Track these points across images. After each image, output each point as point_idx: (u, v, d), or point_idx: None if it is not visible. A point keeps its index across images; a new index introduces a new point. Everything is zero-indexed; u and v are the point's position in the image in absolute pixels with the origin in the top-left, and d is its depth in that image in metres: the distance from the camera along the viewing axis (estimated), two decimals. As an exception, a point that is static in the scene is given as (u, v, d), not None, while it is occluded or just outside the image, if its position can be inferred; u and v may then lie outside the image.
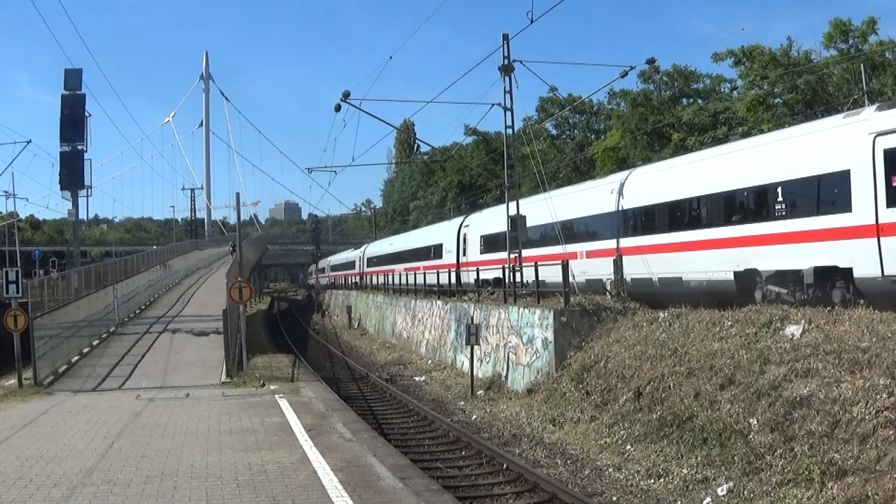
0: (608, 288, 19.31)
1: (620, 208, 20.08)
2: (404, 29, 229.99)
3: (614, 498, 10.98)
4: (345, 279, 60.92)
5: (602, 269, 20.04)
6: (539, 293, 19.92)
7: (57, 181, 39.94)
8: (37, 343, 17.49)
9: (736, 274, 15.91)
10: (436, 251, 35.67)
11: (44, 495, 8.18)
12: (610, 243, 20.29)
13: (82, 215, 44.75)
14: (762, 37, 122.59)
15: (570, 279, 18.62)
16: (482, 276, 27.05)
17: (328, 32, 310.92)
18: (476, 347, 20.33)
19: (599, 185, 22.89)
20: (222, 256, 66.52)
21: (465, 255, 31.35)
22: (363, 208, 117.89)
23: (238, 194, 28.17)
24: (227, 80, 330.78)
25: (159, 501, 7.94)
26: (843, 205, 13.19)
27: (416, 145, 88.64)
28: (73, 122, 37.50)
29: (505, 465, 12.55)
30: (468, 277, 29.19)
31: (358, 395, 21.23)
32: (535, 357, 18.32)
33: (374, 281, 46.19)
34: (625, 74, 22.02)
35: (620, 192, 20.19)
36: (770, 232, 14.92)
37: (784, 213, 14.69)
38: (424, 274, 32.22)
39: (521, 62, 22.98)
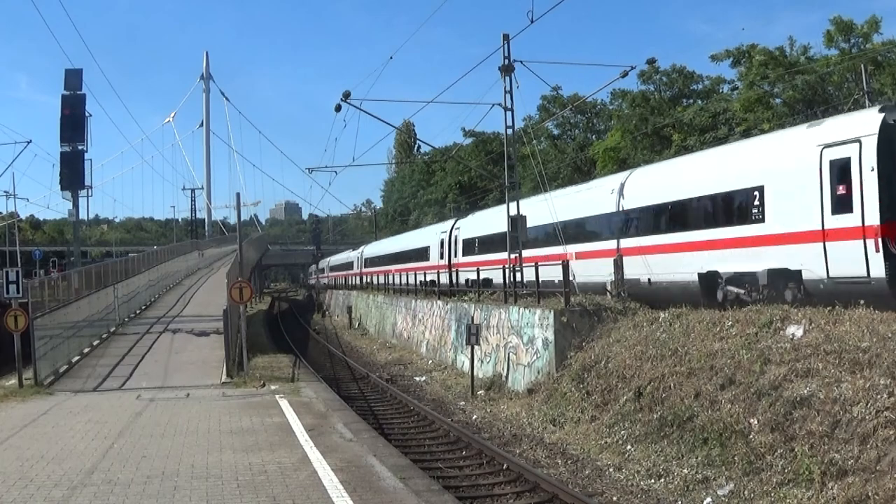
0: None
1: None
2: (404, 29, 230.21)
3: (615, 498, 10.97)
4: (402, 277, 36.92)
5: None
6: (539, 293, 19.92)
7: (57, 181, 40.10)
8: (37, 343, 17.51)
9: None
10: (732, 206, 15.92)
11: (44, 495, 8.18)
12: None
13: (83, 215, 45.08)
14: (761, 37, 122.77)
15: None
16: None
17: (328, 32, 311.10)
18: (476, 347, 20.33)
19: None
20: (222, 257, 66.64)
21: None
22: (363, 208, 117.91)
23: (238, 194, 28.05)
24: (227, 80, 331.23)
25: (160, 502, 7.94)
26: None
27: (416, 146, 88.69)
28: (73, 122, 37.54)
29: (505, 466, 12.55)
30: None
31: (358, 395, 21.23)
32: (535, 357, 18.32)
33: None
34: (625, 74, 22.08)
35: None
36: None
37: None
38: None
39: (521, 62, 23.04)
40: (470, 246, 30.92)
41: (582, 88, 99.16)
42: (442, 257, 34.19)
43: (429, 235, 38.62)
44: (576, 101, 45.16)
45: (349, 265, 62.29)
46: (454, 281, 31.11)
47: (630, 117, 42.36)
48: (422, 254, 37.94)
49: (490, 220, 29.16)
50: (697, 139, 35.89)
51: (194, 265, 60.52)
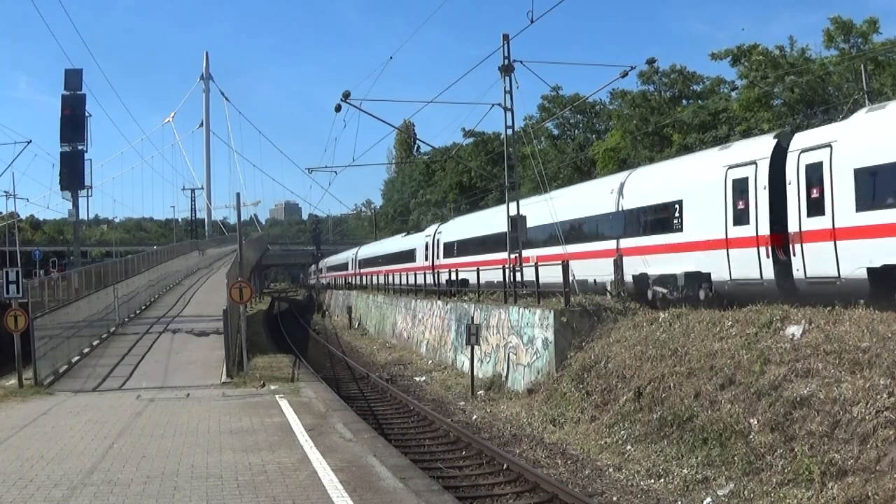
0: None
1: None
2: (403, 29, 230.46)
3: (614, 498, 10.97)
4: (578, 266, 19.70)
5: None
6: (539, 293, 19.91)
7: (57, 181, 40.02)
8: (37, 343, 17.49)
9: None
10: None
11: (44, 495, 8.18)
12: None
13: (82, 215, 44.93)
14: (761, 37, 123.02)
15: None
16: None
17: (328, 32, 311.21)
18: (476, 347, 20.33)
19: None
20: (222, 257, 66.68)
21: None
22: (363, 208, 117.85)
23: (238, 194, 28.04)
24: (227, 80, 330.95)
25: (159, 502, 7.93)
26: None
27: (416, 146, 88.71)
28: (73, 122, 37.49)
29: (505, 466, 12.55)
30: None
31: (358, 396, 21.24)
32: (535, 357, 18.32)
33: None
34: (625, 74, 22.05)
35: None
36: None
37: None
38: None
39: (521, 62, 23.07)
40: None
41: (582, 88, 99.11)
42: (742, 221, 15.32)
43: (684, 178, 17.80)
44: (576, 101, 45.15)
45: (405, 256, 41.39)
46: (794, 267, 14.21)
47: (630, 117, 42.32)
48: (658, 219, 18.29)
49: None
50: (697, 137, 35.89)
51: (194, 265, 60.59)
